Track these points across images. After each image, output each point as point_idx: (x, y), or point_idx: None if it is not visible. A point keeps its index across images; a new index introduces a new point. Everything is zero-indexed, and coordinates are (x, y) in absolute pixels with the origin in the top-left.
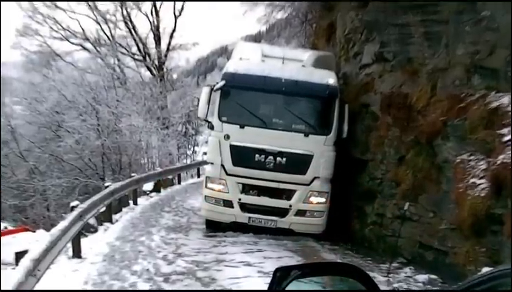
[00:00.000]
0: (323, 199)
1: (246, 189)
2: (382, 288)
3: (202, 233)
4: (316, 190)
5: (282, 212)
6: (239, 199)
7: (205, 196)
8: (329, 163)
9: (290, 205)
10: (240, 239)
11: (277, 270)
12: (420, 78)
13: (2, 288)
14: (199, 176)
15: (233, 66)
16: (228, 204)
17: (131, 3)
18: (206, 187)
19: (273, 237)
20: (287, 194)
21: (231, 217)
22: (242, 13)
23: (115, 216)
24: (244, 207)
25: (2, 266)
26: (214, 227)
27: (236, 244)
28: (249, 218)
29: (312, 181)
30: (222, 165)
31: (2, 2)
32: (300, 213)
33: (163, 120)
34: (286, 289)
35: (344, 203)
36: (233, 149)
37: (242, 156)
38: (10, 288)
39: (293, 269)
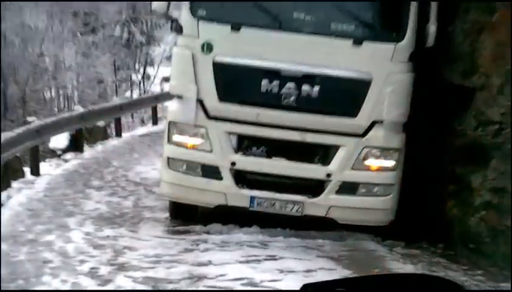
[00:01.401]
0: (390, 163)
1: (245, 145)
2: None
3: (163, 226)
4: (378, 146)
5: (313, 187)
6: (233, 164)
7: (169, 158)
8: (401, 96)
9: (329, 174)
10: (235, 238)
11: (306, 287)
12: None
13: (1, 288)
14: (155, 123)
15: None
16: (211, 172)
17: None
18: (170, 142)
19: (296, 233)
20: (323, 154)
21: (217, 197)
22: None
23: None
24: (242, 179)
25: None
26: (185, 216)
27: (228, 247)
28: (251, 198)
29: (369, 129)
30: (200, 101)
31: (1, 2)
32: (348, 188)
33: (85, 18)
34: None
35: (429, 170)
36: (220, 70)
37: (236, 83)
38: None
39: (334, 286)
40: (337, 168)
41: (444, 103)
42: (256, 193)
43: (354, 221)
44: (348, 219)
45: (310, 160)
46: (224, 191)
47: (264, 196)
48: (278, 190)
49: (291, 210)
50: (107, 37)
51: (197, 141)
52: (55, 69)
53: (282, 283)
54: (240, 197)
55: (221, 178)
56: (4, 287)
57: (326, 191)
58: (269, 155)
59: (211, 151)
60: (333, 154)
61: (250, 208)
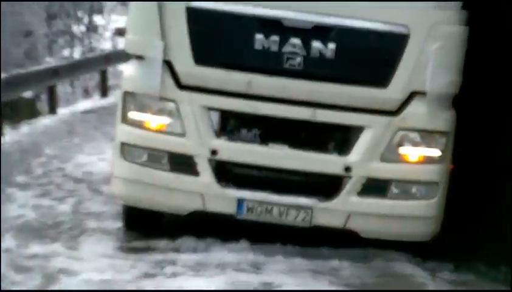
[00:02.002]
0: (435, 152)
1: (231, 126)
2: None
3: (113, 241)
4: (417, 128)
5: (326, 186)
6: (213, 153)
7: (123, 145)
8: (450, 57)
9: (349, 168)
10: (215, 258)
11: None
12: None
13: (1, 288)
14: (104, 94)
15: None
16: (183, 164)
17: None
18: (125, 121)
19: (301, 252)
20: (340, 139)
21: (191, 200)
22: None
23: None
24: (227, 174)
25: None
26: (146, 227)
27: (206, 271)
28: (239, 201)
29: (405, 105)
30: (168, 63)
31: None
32: (375, 188)
33: None
34: None
35: (492, 162)
36: (197, 19)
37: (219, 38)
38: None
39: None
40: (360, 159)
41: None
42: (246, 194)
43: (383, 235)
44: (374, 232)
45: (322, 148)
46: (201, 192)
47: (258, 199)
48: (276, 190)
49: (295, 218)
50: None
51: (163, 120)
52: None
53: None
54: (223, 200)
55: (196, 173)
56: (4, 287)
57: (344, 191)
58: (264, 140)
59: (183, 135)
60: (354, 139)
61: (238, 216)
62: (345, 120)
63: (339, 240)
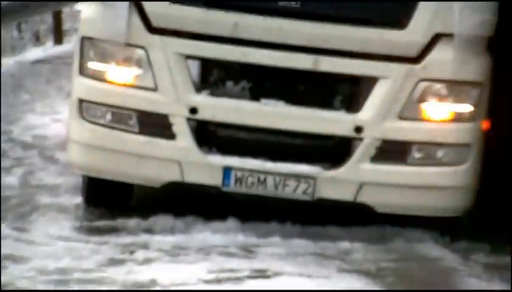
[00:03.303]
0: (466, 108)
1: (214, 78)
2: None
3: (71, 221)
4: (443, 79)
5: (332, 150)
6: (193, 111)
7: (82, 102)
8: None
9: (360, 128)
10: (197, 240)
11: None
12: None
13: (1, 289)
14: (59, 41)
15: None
16: (155, 126)
17: None
18: (84, 73)
19: (303, 231)
20: (349, 92)
21: (166, 169)
22: None
23: None
24: (209, 137)
25: None
26: (111, 203)
27: (186, 256)
28: (226, 170)
29: (428, 49)
30: (136, 1)
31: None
32: (392, 152)
33: None
34: None
35: None
36: None
37: None
38: None
39: None
40: (373, 116)
41: None
42: (233, 161)
43: (403, 209)
44: (392, 206)
45: (326, 105)
46: (178, 159)
47: (248, 167)
48: (271, 156)
49: (294, 190)
50: None
51: (130, 71)
52: None
53: None
54: (206, 169)
55: (172, 136)
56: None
57: (354, 157)
58: (255, 96)
59: (154, 89)
60: (366, 93)
61: (224, 189)
62: (354, 70)
63: (348, 217)
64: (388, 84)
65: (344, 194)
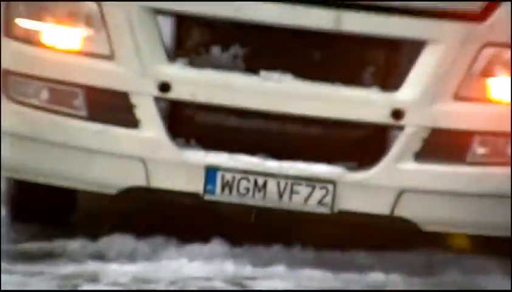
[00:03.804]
0: None
1: (193, 41)
2: None
3: None
4: None
5: (358, 144)
6: (164, 88)
7: (6, 73)
8: None
9: (399, 112)
10: (167, 271)
11: None
12: None
13: (2, 288)
14: None
15: None
16: (111, 107)
17: None
18: (10, 34)
19: (318, 258)
20: (381, 62)
21: (126, 169)
22: None
23: None
24: (186, 124)
25: None
26: (46, 216)
27: None
28: (209, 171)
29: (494, 6)
30: None
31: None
32: (444, 145)
33: None
34: None
35: None
36: None
37: None
38: None
39: None
40: (419, 96)
41: None
42: (220, 158)
43: (459, 227)
44: (444, 222)
45: (353, 79)
46: (143, 156)
47: (241, 167)
48: (273, 151)
49: (306, 200)
50: None
51: (76, 32)
52: None
53: None
54: (181, 169)
55: (134, 123)
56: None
57: (391, 153)
58: (252, 66)
59: (110, 57)
60: (409, 62)
61: (207, 197)
62: (391, 31)
63: (381, 238)
64: (439, 50)
65: (376, 205)
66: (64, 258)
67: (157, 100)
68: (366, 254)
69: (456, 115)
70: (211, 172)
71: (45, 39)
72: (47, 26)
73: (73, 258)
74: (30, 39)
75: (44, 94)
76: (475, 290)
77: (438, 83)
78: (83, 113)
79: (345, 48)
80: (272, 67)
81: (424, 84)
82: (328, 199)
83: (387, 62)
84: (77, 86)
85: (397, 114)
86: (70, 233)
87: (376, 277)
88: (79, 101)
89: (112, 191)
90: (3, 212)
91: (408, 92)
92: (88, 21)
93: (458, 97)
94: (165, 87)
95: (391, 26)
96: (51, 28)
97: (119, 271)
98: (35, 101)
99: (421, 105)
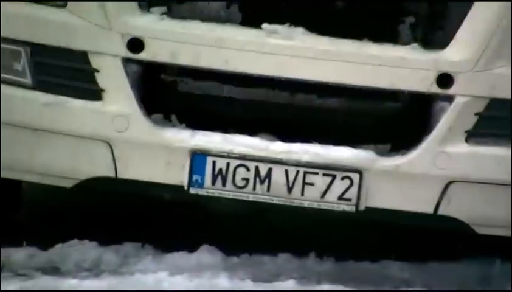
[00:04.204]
0: None
1: None
2: None
3: None
4: None
5: (393, 119)
6: (133, 46)
7: None
8: None
9: (446, 77)
10: (146, 285)
11: None
12: None
13: (2, 288)
14: None
15: None
16: (66, 72)
17: None
18: None
19: (339, 269)
20: (425, 10)
21: (86, 156)
22: None
23: None
24: (165, 94)
25: None
26: None
27: None
28: (195, 156)
29: None
30: None
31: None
32: (506, 121)
33: None
34: None
35: None
36: None
37: None
38: None
39: None
40: (472, 56)
41: None
42: (210, 139)
43: None
44: (507, 223)
45: (384, 33)
46: (108, 136)
47: (238, 151)
48: (280, 130)
49: (323, 193)
50: None
51: None
52: None
53: None
54: (159, 154)
55: (96, 94)
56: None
57: (436, 132)
58: (251, 16)
59: (63, 5)
60: (458, 13)
61: (194, 191)
62: None
63: (420, 244)
64: None
65: (415, 201)
66: (5, 272)
67: (126, 62)
68: (402, 266)
69: None
70: (198, 158)
71: None
72: None
73: (18, 270)
74: None
75: None
76: (475, 290)
77: (497, 39)
78: (28, 80)
79: None
80: (277, 17)
81: (479, 41)
82: (352, 192)
83: (429, 13)
84: (20, 43)
85: (444, 80)
86: (13, 239)
87: None
88: (23, 63)
89: (68, 184)
90: None
91: (458, 52)
92: None
93: None
94: (136, 44)
95: None
96: None
97: (77, 287)
98: None
99: (476, 68)
